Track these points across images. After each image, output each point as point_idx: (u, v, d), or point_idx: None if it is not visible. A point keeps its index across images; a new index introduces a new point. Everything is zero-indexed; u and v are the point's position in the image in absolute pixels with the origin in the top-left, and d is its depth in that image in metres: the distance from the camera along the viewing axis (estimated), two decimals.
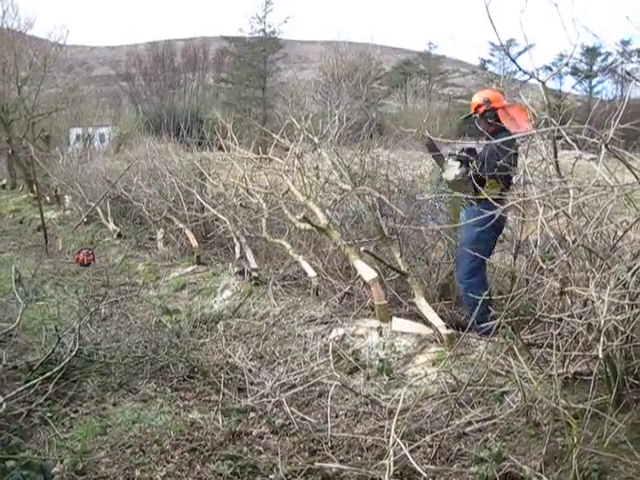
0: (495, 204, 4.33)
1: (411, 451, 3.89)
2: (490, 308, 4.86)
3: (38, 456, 4.19)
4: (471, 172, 5.79)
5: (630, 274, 3.75)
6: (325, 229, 7.31)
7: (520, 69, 5.02)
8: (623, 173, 3.87)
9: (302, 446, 4.50)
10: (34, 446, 4.38)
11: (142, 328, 6.70)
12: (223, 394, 5.38)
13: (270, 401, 5.20)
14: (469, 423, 4.41)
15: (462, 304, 6.48)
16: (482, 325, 5.02)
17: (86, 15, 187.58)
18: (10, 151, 24.66)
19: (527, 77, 4.53)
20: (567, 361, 4.33)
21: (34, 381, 5.21)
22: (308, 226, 7.57)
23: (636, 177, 3.65)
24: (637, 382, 3.89)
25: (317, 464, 4.12)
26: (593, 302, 3.57)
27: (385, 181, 7.90)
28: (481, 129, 5.97)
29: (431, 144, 6.48)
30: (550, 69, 40.74)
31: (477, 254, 5.61)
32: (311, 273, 7.71)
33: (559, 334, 4.13)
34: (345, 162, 8.19)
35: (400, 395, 4.60)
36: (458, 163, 6.14)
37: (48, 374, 5.34)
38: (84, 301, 7.13)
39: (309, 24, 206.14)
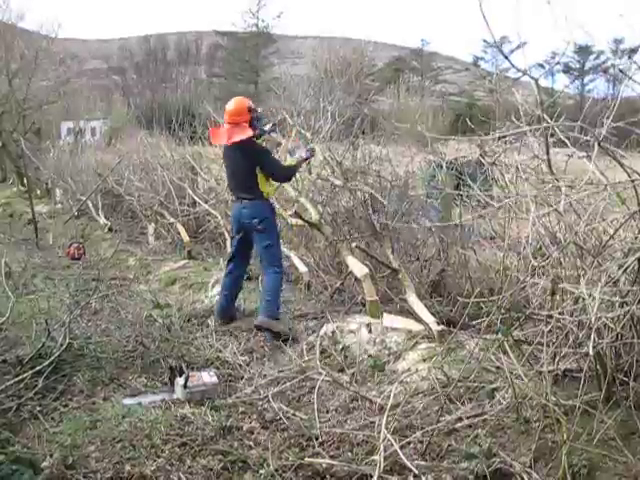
0: None
1: (401, 447, 3.89)
2: None
3: (27, 450, 4.17)
4: None
5: (621, 272, 3.76)
6: (317, 224, 7.29)
7: (513, 66, 5.03)
8: (615, 171, 3.88)
9: (292, 441, 4.48)
10: (24, 440, 4.35)
11: (133, 322, 6.66)
12: None
13: (260, 396, 5.20)
14: (459, 419, 4.41)
15: None
16: None
17: (78, 8, 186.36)
18: (0, 144, 24.57)
19: (520, 74, 4.53)
20: (557, 358, 4.34)
21: (24, 375, 5.16)
22: (299, 221, 7.55)
23: (628, 175, 3.66)
24: (627, 379, 3.90)
25: (307, 459, 4.12)
26: (584, 299, 3.58)
27: (377, 177, 7.89)
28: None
29: None
30: (542, 67, 40.98)
31: None
32: (302, 268, 7.71)
33: (550, 331, 4.14)
34: (337, 158, 8.18)
35: (391, 391, 4.60)
36: None
37: (38, 368, 5.30)
38: (74, 295, 7.10)
39: (302, 19, 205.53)
